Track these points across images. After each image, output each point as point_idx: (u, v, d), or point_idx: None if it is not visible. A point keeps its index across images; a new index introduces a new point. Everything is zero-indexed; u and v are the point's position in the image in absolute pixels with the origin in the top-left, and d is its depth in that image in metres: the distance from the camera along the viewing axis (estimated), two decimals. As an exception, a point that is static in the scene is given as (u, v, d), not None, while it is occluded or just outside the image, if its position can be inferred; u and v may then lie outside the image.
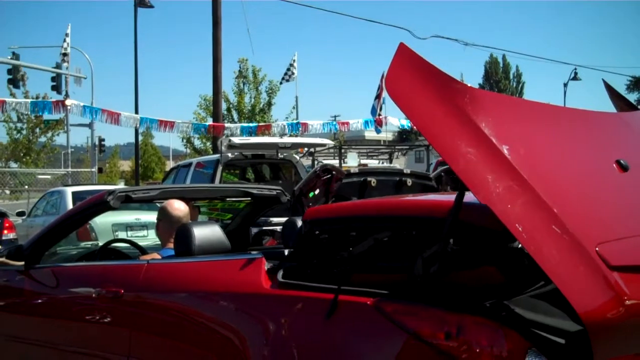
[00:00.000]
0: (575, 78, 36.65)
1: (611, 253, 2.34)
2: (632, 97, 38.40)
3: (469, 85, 2.66)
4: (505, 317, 2.49)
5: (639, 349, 2.47)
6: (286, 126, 19.29)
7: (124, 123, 17.70)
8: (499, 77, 65.69)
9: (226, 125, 19.32)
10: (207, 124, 19.42)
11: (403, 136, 56.80)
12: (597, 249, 2.33)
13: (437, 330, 2.49)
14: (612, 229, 2.55)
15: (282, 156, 11.73)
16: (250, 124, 20.36)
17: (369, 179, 7.02)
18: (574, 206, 2.50)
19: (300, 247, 3.20)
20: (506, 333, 2.40)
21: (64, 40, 27.47)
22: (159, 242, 4.42)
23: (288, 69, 30.84)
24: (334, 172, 6.67)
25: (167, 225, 4.21)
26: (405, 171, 7.64)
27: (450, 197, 2.72)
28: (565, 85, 38.17)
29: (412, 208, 3.15)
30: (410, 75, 2.59)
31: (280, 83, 30.86)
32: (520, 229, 2.31)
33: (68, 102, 17.57)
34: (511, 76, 66.61)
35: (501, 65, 66.00)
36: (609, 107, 3.58)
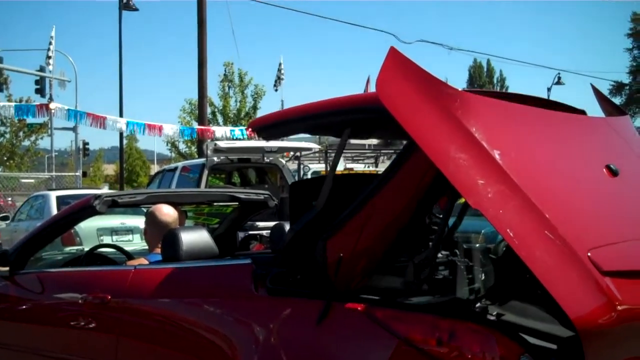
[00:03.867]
0: (558, 82, 36.84)
1: (603, 258, 2.34)
2: (615, 102, 38.60)
3: (459, 89, 2.65)
4: (497, 322, 2.49)
5: (630, 354, 2.47)
6: None
7: (110, 127, 17.53)
8: (483, 82, 66.10)
9: (215, 129, 19.20)
10: (196, 127, 19.26)
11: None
12: (589, 254, 2.33)
13: (428, 336, 2.48)
14: (604, 234, 2.55)
15: (268, 160, 11.69)
16: (240, 128, 20.26)
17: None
18: (566, 211, 2.50)
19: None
20: (498, 339, 2.39)
21: (50, 43, 27.29)
22: (146, 247, 4.37)
23: (278, 77, 30.83)
24: None
25: (155, 230, 4.16)
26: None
27: None
28: (549, 89, 38.33)
29: (345, 102, 3.12)
30: (400, 79, 2.57)
31: (276, 90, 30.86)
32: (511, 234, 2.31)
33: (52, 105, 17.37)
34: (495, 80, 67.02)
35: (485, 69, 66.44)
36: (592, 111, 3.59)
